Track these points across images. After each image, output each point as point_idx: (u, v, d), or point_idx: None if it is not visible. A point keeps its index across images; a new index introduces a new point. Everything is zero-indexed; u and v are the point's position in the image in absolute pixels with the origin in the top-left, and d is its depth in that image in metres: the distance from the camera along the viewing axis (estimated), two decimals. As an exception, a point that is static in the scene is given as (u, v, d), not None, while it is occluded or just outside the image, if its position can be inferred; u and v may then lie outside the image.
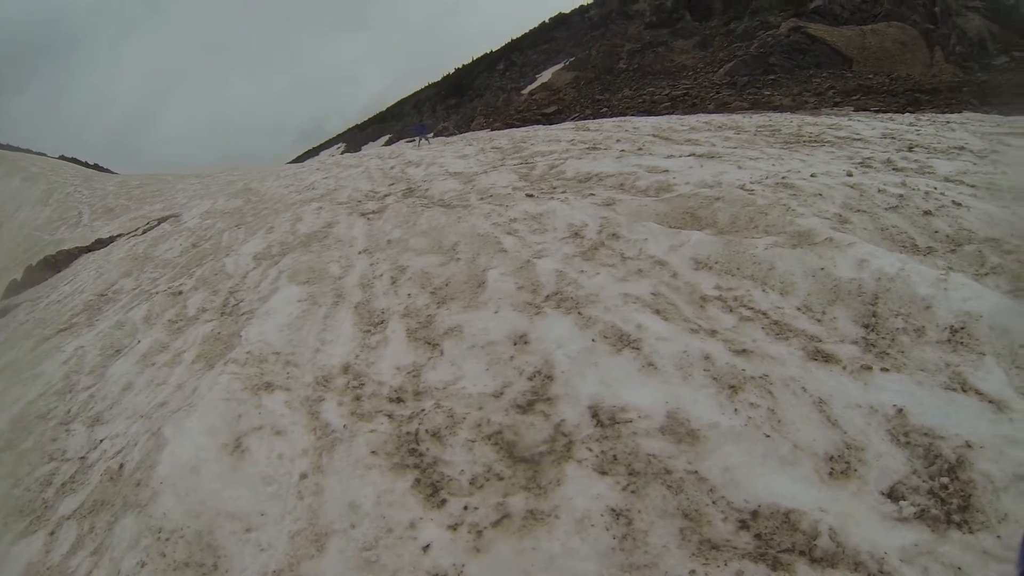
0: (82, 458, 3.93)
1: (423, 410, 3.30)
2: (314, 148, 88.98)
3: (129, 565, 2.51)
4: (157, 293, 7.07)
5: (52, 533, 3.21)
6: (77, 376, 5.43)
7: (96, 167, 54.52)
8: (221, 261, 7.32)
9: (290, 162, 47.78)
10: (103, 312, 7.84)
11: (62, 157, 54.79)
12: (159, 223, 15.71)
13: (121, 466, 3.36)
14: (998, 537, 2.17)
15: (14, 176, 40.63)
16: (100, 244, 17.19)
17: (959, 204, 5.00)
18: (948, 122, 13.73)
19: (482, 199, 7.26)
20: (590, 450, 2.77)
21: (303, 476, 2.98)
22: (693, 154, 8.12)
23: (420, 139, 22.50)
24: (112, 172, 50.52)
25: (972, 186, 5.88)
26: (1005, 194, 5.60)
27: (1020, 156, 7.93)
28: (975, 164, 7.16)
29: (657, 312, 3.70)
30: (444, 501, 2.69)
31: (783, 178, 6.07)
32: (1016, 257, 4.14)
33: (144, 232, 15.06)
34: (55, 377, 5.59)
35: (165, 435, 3.24)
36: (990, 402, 2.75)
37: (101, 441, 4.02)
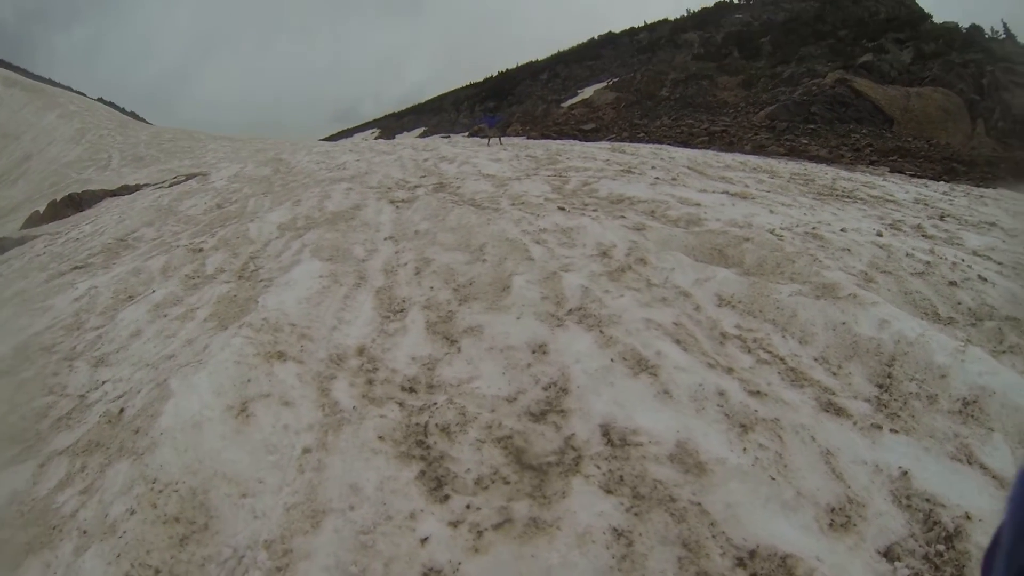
0: (82, 396, 3.95)
1: (435, 403, 3.28)
2: (348, 129, 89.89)
3: (118, 510, 2.50)
4: (177, 247, 7.11)
5: (42, 465, 3.21)
6: (87, 315, 5.46)
7: (132, 115, 54.99)
8: (245, 225, 7.35)
9: (323, 139, 48.04)
10: (121, 257, 7.88)
11: (100, 99, 55.28)
12: (187, 179, 15.85)
13: (121, 411, 3.38)
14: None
15: (51, 111, 40.98)
16: (126, 190, 17.36)
17: (984, 279, 4.99)
18: (982, 196, 13.76)
19: (513, 205, 7.29)
20: (598, 467, 2.76)
21: (306, 450, 2.97)
22: (726, 192, 8.13)
23: (490, 134, 19.68)
24: (147, 122, 50.93)
25: (999, 263, 5.88)
26: None
27: None
28: (1004, 241, 7.17)
29: (677, 342, 3.69)
30: (447, 497, 2.68)
31: (813, 228, 6.07)
32: (1035, 339, 4.11)
33: (171, 185, 15.19)
34: (65, 312, 5.63)
35: (171, 387, 3.25)
36: (993, 477, 2.75)
37: (104, 383, 4.04)
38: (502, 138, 20.18)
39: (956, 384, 3.26)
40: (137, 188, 17.44)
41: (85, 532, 2.52)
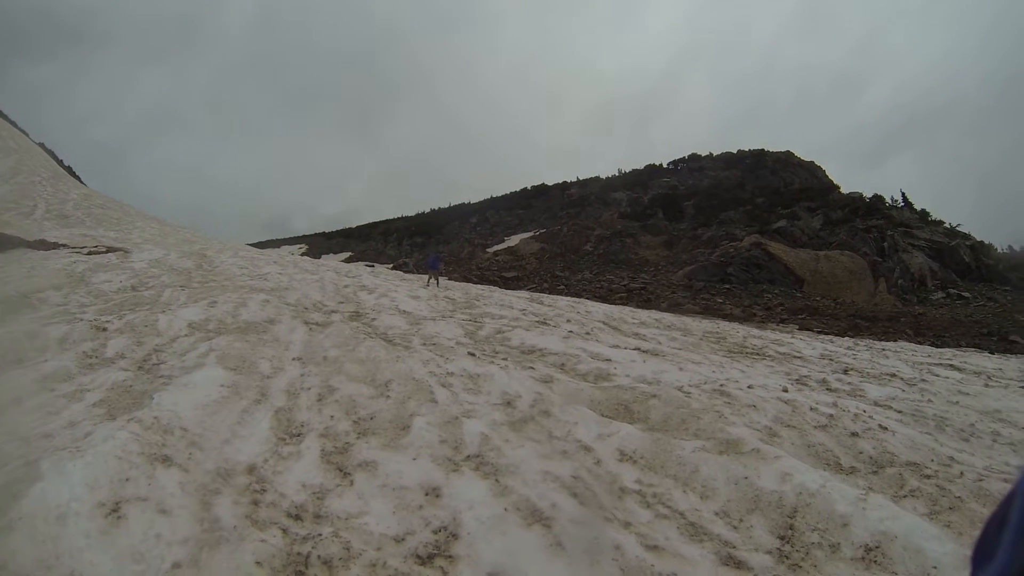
0: (-61, 452, 3.60)
1: (320, 535, 3.14)
2: (277, 239, 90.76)
3: (-48, 591, 2.26)
4: (81, 320, 6.86)
5: None
6: (-33, 367, 5.09)
7: (68, 169, 53.08)
8: (156, 315, 7.24)
9: (251, 244, 47.61)
10: (20, 314, 7.52)
11: (41, 145, 53.14)
12: (107, 251, 15.41)
13: (-19, 481, 3.10)
14: None
15: (-10, 140, 39.24)
16: (43, 245, 16.65)
17: (885, 428, 5.27)
18: (884, 349, 14.74)
19: (424, 345, 7.44)
20: (483, 618, 2.66)
21: (176, 565, 2.76)
22: (638, 348, 8.44)
23: (431, 275, 18.87)
24: (81, 181, 49.34)
25: (899, 411, 6.30)
26: (929, 421, 6.03)
27: (946, 386, 8.53)
28: (904, 391, 7.72)
29: (574, 495, 3.68)
30: (320, 635, 2.52)
31: (721, 385, 6.31)
32: (935, 482, 4.32)
33: (89, 254, 14.69)
34: (-59, 356, 5.26)
35: (41, 469, 3.06)
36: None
37: (-31, 446, 3.71)
38: (440, 280, 19.49)
39: (858, 531, 3.36)
40: (55, 246, 16.76)
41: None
